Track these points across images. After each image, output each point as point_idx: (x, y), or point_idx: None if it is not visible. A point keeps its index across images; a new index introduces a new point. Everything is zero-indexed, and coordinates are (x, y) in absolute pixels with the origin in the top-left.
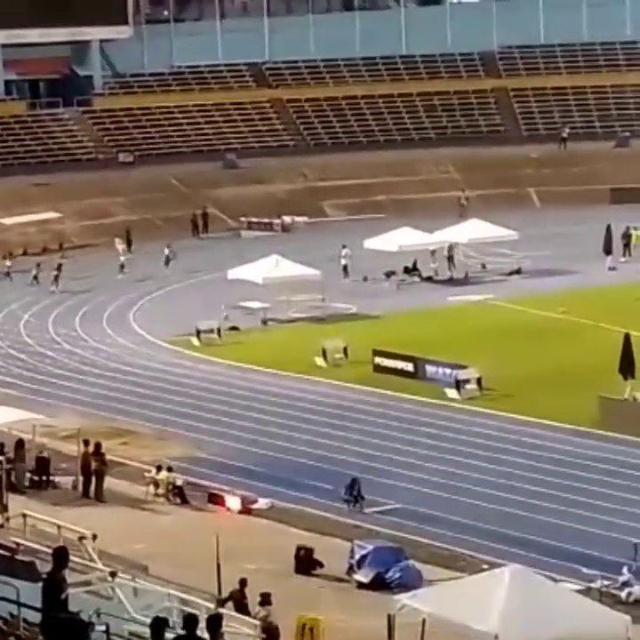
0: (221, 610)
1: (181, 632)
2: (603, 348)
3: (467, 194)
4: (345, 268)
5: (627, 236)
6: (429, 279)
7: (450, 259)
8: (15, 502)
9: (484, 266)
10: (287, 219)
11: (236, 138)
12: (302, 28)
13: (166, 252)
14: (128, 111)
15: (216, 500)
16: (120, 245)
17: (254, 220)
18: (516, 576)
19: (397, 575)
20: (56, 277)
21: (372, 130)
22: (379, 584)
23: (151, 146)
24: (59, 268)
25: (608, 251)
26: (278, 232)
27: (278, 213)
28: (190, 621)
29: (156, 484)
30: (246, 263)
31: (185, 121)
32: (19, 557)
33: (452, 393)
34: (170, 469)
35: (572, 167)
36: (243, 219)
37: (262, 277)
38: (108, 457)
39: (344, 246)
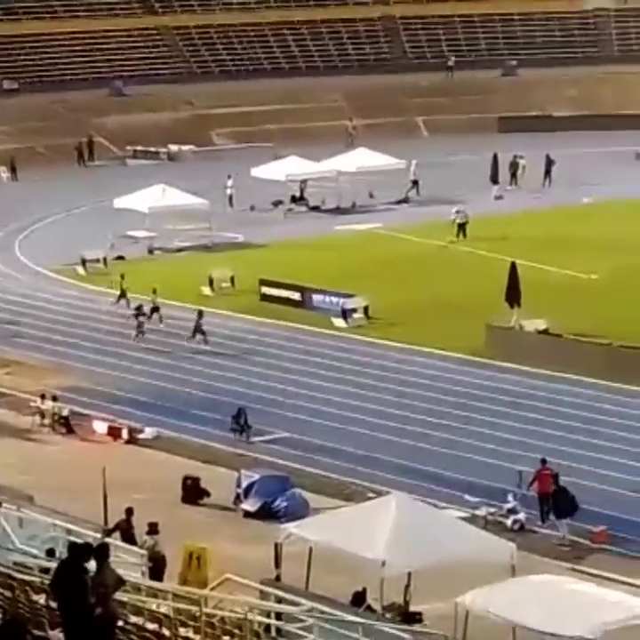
0: (108, 539)
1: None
2: (489, 277)
3: (354, 123)
4: (230, 197)
5: (513, 165)
6: (316, 208)
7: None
8: None
9: (371, 195)
10: (174, 147)
11: (123, 65)
12: None
13: None
14: (12, 38)
15: (106, 429)
16: (4, 174)
17: (140, 148)
18: (401, 504)
19: (284, 504)
20: None
21: (259, 58)
22: (265, 513)
23: (37, 73)
24: None
25: (495, 180)
26: (165, 160)
27: (165, 142)
28: (75, 550)
29: (42, 415)
30: (132, 192)
31: (71, 48)
32: None
33: (338, 322)
34: (54, 399)
35: (459, 96)
36: (129, 147)
37: (148, 206)
38: None
39: (229, 176)
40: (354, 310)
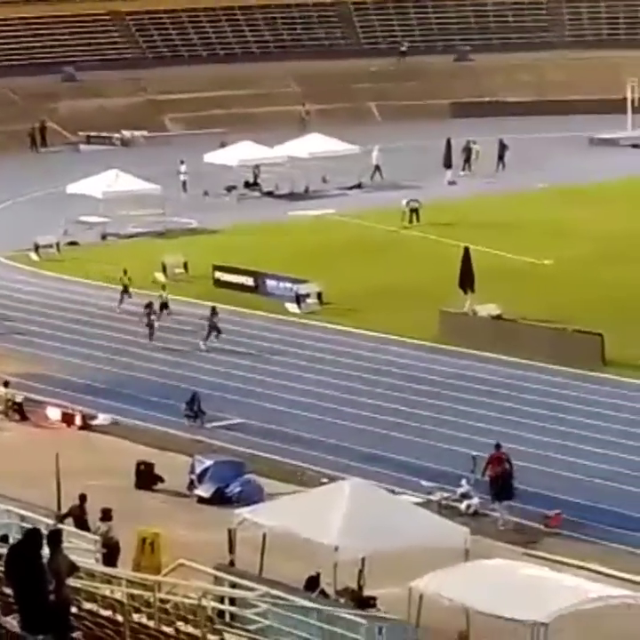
0: (61, 525)
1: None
2: (443, 262)
3: (307, 108)
4: (184, 183)
5: (467, 150)
6: (270, 194)
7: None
8: None
9: (324, 180)
10: (127, 133)
11: (75, 51)
12: None
13: None
14: None
15: (60, 416)
16: None
17: (93, 133)
18: (355, 489)
19: (238, 489)
20: None
21: (212, 43)
22: (219, 498)
23: None
24: None
25: (448, 165)
26: (118, 146)
27: (118, 127)
28: (29, 536)
29: None
30: (86, 177)
31: (23, 33)
32: None
33: (292, 307)
34: (6, 384)
35: (412, 81)
36: (82, 133)
37: (102, 192)
38: None
39: (182, 162)
40: (307, 296)
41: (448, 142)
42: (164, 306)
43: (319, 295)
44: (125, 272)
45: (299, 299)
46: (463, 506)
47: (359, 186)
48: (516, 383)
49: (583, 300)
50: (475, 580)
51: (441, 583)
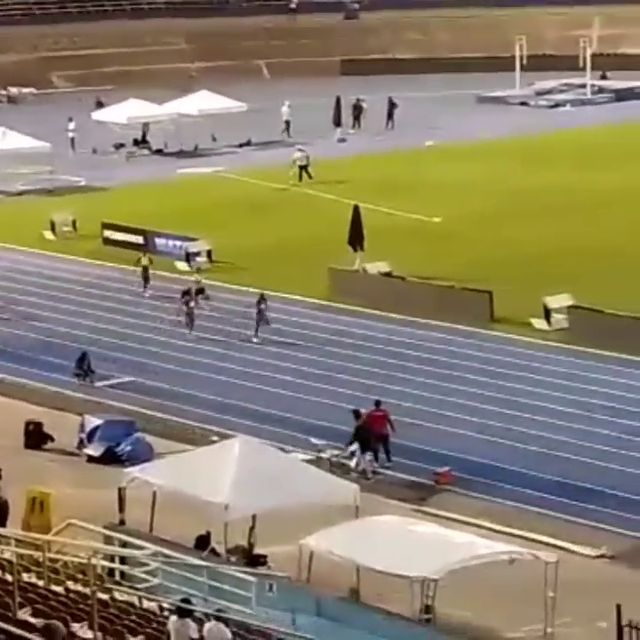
0: None
1: None
2: (333, 220)
3: (196, 65)
4: (72, 140)
5: (357, 108)
6: (159, 151)
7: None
8: None
9: (213, 138)
10: (14, 90)
11: None
12: None
13: None
14: None
15: None
16: None
17: None
18: (245, 447)
19: (128, 448)
20: None
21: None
22: (109, 457)
23: None
24: None
25: (337, 122)
26: (5, 103)
27: (4, 84)
28: None
29: None
30: None
31: None
32: None
33: (182, 265)
34: None
35: (302, 39)
36: None
37: None
38: None
39: (70, 119)
40: (197, 254)
41: (337, 100)
42: (200, 291)
43: (209, 253)
44: (144, 253)
45: (188, 257)
46: (353, 463)
47: (248, 143)
48: (405, 340)
49: (472, 258)
50: (365, 537)
51: (331, 540)
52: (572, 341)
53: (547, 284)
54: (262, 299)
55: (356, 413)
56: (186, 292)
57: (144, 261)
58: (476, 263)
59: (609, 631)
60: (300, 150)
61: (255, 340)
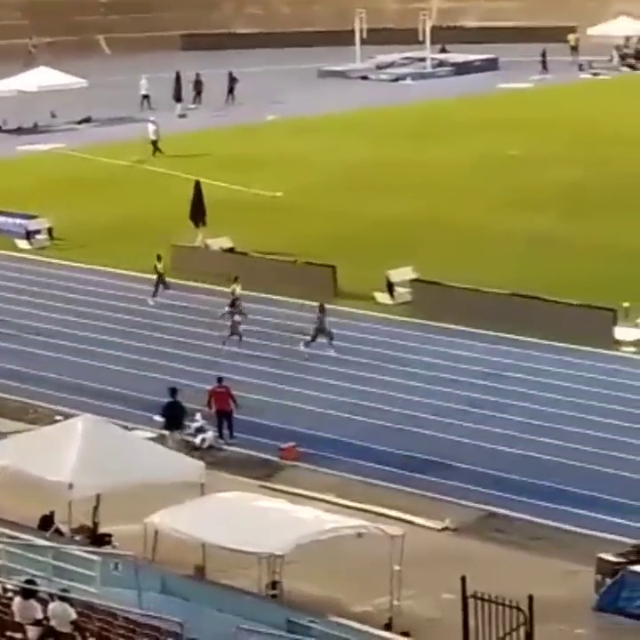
0: None
1: None
2: (174, 196)
3: (34, 41)
4: None
5: (198, 84)
6: None
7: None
8: None
9: (53, 114)
10: None
11: None
12: None
13: None
14: None
15: None
16: None
17: None
18: (89, 426)
19: None
20: None
21: None
22: None
23: None
24: None
25: (178, 98)
26: None
27: None
28: None
29: None
30: None
31: None
32: None
33: (22, 243)
34: None
35: (142, 13)
36: None
37: None
38: None
39: None
40: (37, 231)
41: (177, 75)
42: (233, 303)
43: (49, 231)
44: (159, 258)
45: (28, 234)
46: (198, 440)
47: (88, 120)
48: (250, 317)
49: (315, 232)
50: (210, 514)
51: (176, 518)
52: (416, 314)
53: (389, 257)
54: (322, 310)
55: (173, 391)
56: (232, 304)
57: (159, 268)
58: (319, 237)
59: (454, 602)
60: (153, 123)
61: (304, 349)
